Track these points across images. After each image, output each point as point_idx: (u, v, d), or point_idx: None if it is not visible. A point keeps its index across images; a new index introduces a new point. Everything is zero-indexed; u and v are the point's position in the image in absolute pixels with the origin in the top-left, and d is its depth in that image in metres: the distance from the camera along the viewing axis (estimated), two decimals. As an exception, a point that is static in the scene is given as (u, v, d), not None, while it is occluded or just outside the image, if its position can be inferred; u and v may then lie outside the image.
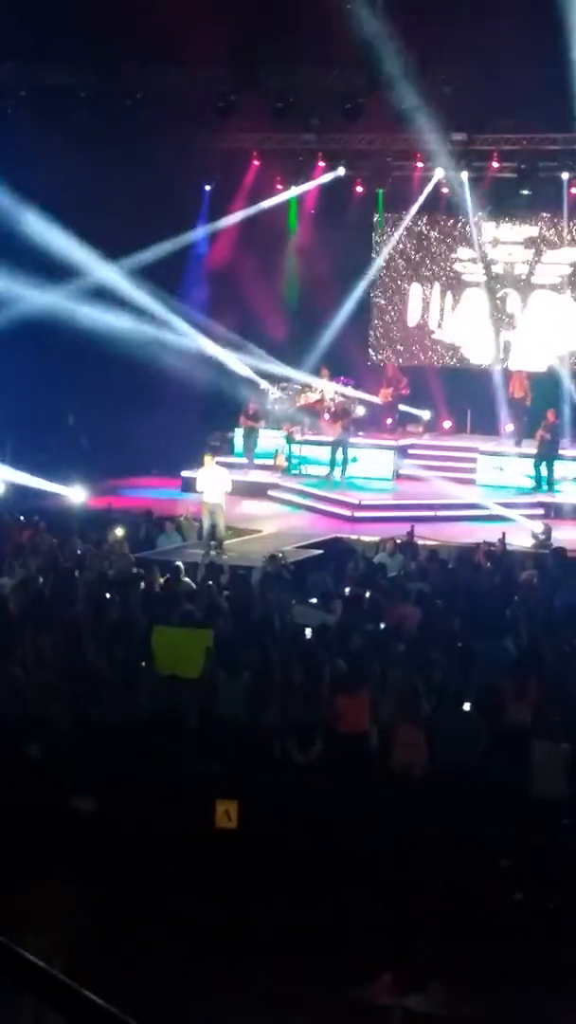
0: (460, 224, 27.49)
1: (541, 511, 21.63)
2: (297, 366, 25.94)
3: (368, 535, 18.90)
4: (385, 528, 19.12)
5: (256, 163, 26.78)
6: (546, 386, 25.50)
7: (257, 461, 24.57)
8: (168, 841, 9.08)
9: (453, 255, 27.85)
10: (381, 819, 9.34)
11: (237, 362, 25.24)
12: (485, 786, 9.65)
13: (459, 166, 25.58)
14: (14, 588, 13.90)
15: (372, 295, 28.26)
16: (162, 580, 14.83)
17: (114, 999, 2.06)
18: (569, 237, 26.89)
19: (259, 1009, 7.67)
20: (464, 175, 25.76)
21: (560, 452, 23.49)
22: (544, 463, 23.16)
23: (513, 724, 10.46)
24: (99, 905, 8.49)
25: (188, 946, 8.17)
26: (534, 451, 23.40)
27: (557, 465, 23.25)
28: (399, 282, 28.25)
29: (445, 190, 26.49)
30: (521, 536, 18.58)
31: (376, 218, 28.02)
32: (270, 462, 24.65)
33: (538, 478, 23.19)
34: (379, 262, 28.08)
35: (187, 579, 14.97)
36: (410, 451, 25.42)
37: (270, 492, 23.65)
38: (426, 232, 27.96)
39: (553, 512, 21.71)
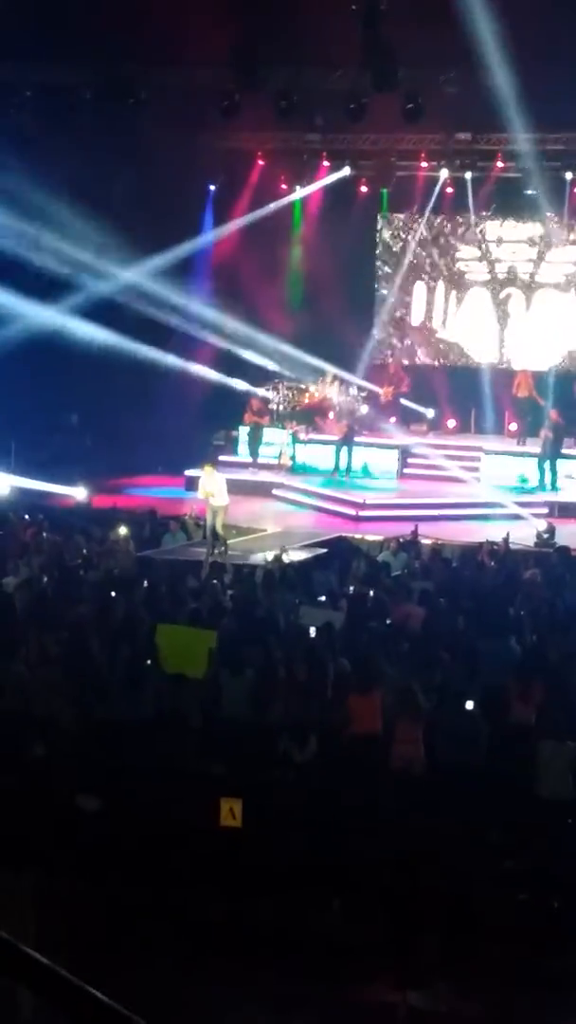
0: (464, 223, 27.50)
1: (545, 510, 21.64)
2: (301, 365, 25.94)
3: (372, 534, 18.92)
4: (389, 527, 19.14)
5: (261, 163, 26.83)
6: (550, 385, 25.52)
7: (261, 460, 24.58)
8: (172, 839, 9.08)
9: (457, 254, 27.84)
10: (385, 818, 9.33)
11: (241, 360, 25.24)
12: (489, 786, 9.64)
13: (463, 166, 25.58)
14: (18, 587, 13.93)
15: (376, 294, 28.25)
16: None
17: (118, 995, 2.07)
18: (573, 236, 26.87)
19: (262, 1006, 7.68)
20: (468, 175, 25.75)
21: (564, 451, 23.50)
22: (548, 462, 23.18)
23: (517, 724, 10.45)
24: (103, 902, 8.50)
25: (192, 943, 8.18)
26: (538, 450, 23.42)
27: (560, 464, 23.25)
28: (403, 281, 28.24)
29: (449, 190, 26.56)
30: (525, 532, 18.58)
31: (380, 217, 28.02)
32: (274, 461, 24.66)
33: (542, 477, 23.20)
34: (382, 261, 28.08)
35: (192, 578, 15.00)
36: (414, 450, 25.42)
37: (274, 491, 23.67)
38: (430, 231, 27.96)
39: (557, 511, 21.71)
